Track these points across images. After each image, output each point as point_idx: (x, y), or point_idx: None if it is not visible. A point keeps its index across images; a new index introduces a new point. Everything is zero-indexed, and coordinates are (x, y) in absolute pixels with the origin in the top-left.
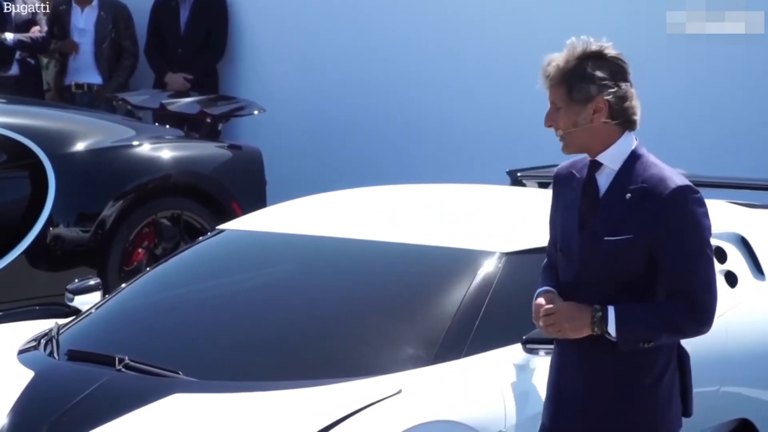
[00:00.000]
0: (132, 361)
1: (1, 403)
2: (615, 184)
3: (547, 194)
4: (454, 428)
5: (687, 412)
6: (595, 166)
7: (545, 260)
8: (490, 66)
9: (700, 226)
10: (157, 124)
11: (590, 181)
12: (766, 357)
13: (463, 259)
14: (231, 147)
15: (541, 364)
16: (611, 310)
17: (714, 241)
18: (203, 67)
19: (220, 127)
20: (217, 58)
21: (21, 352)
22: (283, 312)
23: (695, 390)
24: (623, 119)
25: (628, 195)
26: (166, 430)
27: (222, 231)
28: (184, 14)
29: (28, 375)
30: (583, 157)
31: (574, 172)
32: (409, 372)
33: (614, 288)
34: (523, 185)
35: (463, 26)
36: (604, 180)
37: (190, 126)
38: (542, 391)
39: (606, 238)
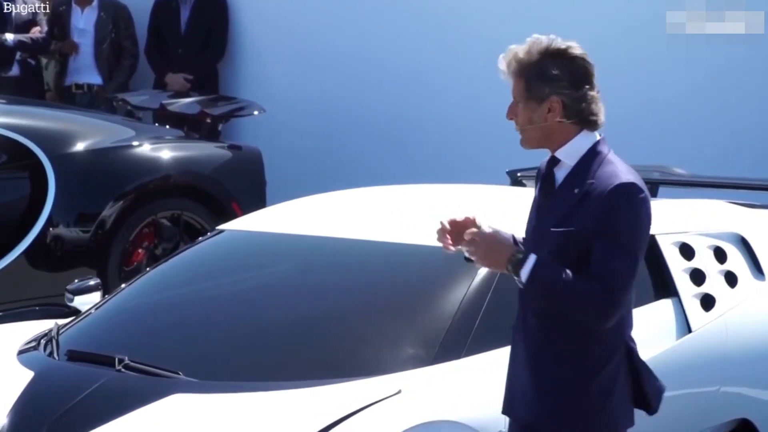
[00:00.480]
0: (132, 361)
1: (1, 404)
2: (569, 180)
3: None
4: (454, 428)
5: (648, 407)
6: (554, 161)
7: None
8: (491, 66)
9: (635, 224)
10: (156, 124)
11: (548, 175)
12: (766, 357)
13: (463, 259)
14: (231, 147)
15: None
16: (531, 258)
17: (714, 241)
18: (203, 67)
19: (220, 127)
20: (218, 58)
21: (21, 352)
22: (282, 312)
23: (696, 390)
24: (579, 119)
25: (576, 190)
26: (165, 430)
27: (222, 231)
28: (184, 14)
29: (27, 375)
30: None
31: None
32: (408, 372)
33: None
34: (523, 185)
35: (463, 26)
36: (561, 175)
37: (190, 126)
38: None
39: (552, 230)
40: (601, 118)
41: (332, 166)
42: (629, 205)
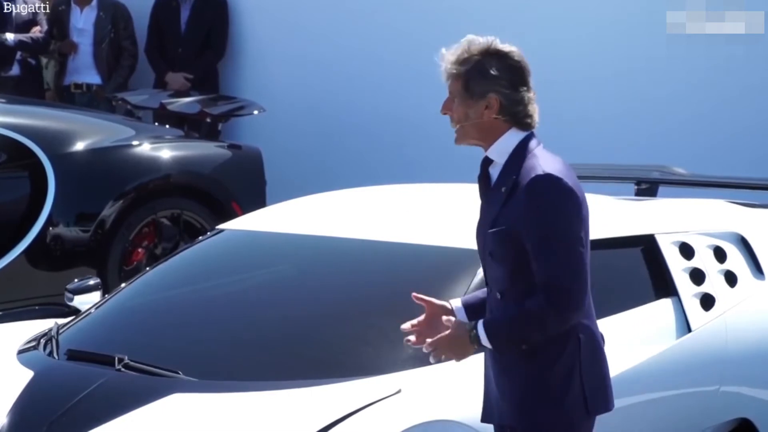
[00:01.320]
0: (131, 360)
1: (0, 403)
2: (499, 178)
3: None
4: (453, 428)
5: (594, 405)
6: (488, 160)
7: None
8: None
9: (560, 212)
10: (156, 123)
11: (483, 175)
12: (766, 356)
13: (463, 259)
14: (231, 147)
15: None
16: (480, 327)
17: (713, 241)
18: (204, 66)
19: (219, 126)
20: (218, 58)
21: (20, 352)
22: (282, 312)
23: (696, 389)
24: (514, 120)
25: (503, 188)
26: (165, 430)
27: (222, 231)
28: (184, 14)
29: (27, 375)
30: None
31: None
32: (408, 372)
33: (510, 277)
34: None
35: (463, 25)
36: (494, 174)
37: (190, 126)
38: None
39: (489, 231)
40: (536, 119)
41: (332, 165)
42: (549, 196)
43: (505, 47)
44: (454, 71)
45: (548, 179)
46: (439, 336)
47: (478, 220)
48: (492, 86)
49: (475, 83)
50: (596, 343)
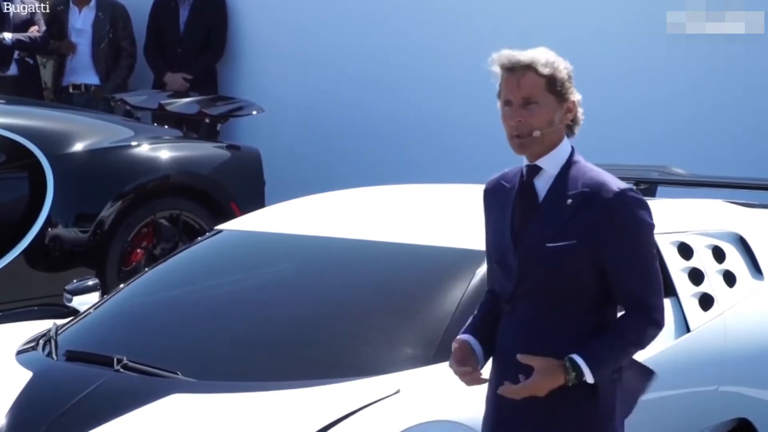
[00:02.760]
0: (130, 361)
1: None
2: (554, 189)
3: None
4: (453, 428)
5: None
6: (534, 170)
7: (488, 283)
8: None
9: (645, 227)
10: (155, 124)
11: (528, 186)
12: (764, 356)
13: (462, 259)
14: (230, 147)
15: None
16: (581, 362)
17: (712, 241)
18: (203, 67)
19: (218, 127)
20: (217, 59)
21: (19, 352)
22: (281, 312)
23: (695, 389)
24: (574, 124)
25: (569, 200)
26: (164, 430)
27: (220, 231)
28: (183, 14)
29: (26, 375)
30: (512, 168)
31: (504, 183)
32: (407, 372)
33: (555, 298)
34: None
35: (463, 25)
36: (542, 185)
37: (189, 126)
38: None
39: (548, 245)
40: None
41: (331, 166)
42: (635, 212)
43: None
44: (533, 70)
45: (633, 194)
46: (530, 383)
47: (499, 236)
48: (571, 87)
49: (560, 83)
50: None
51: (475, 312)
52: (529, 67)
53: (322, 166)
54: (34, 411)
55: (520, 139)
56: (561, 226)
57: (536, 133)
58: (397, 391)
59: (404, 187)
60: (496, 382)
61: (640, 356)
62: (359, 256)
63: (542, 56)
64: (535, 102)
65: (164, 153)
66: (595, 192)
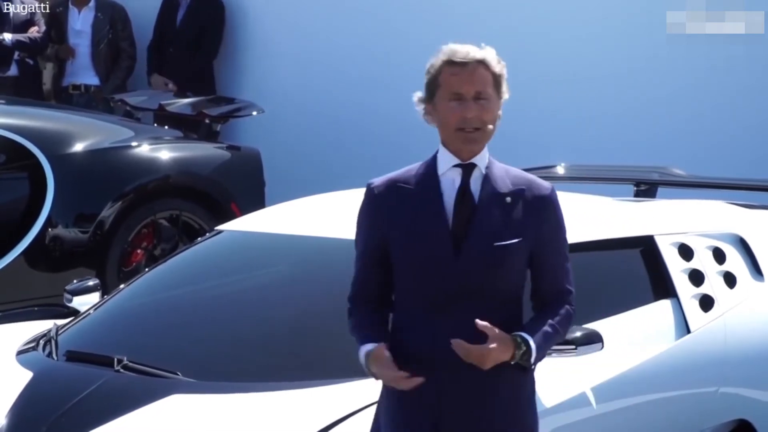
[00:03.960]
0: (131, 361)
1: (0, 404)
2: (488, 188)
3: None
4: None
5: None
6: (470, 169)
7: (354, 290)
8: None
9: (564, 226)
10: (155, 124)
11: (466, 186)
12: (765, 358)
13: None
14: (230, 148)
15: (540, 365)
16: (531, 342)
17: (713, 242)
18: (193, 68)
19: (218, 128)
20: (208, 60)
21: (20, 352)
22: (281, 312)
23: (695, 390)
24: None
25: (508, 198)
26: (164, 430)
27: (220, 232)
28: (180, 13)
29: (26, 376)
30: (407, 170)
31: (403, 185)
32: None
33: (496, 296)
34: None
35: (462, 24)
36: (476, 183)
37: (187, 127)
38: (541, 392)
39: (496, 244)
40: None
41: (331, 166)
42: (559, 210)
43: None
44: (487, 68)
45: (555, 192)
46: (486, 349)
47: (422, 239)
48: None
49: (503, 83)
50: None
51: (357, 322)
52: (482, 63)
53: (322, 167)
54: (34, 411)
55: (474, 134)
56: (504, 225)
57: (489, 128)
58: None
59: None
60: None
61: (640, 358)
62: None
63: (494, 54)
64: (485, 98)
65: (164, 153)
66: (528, 190)
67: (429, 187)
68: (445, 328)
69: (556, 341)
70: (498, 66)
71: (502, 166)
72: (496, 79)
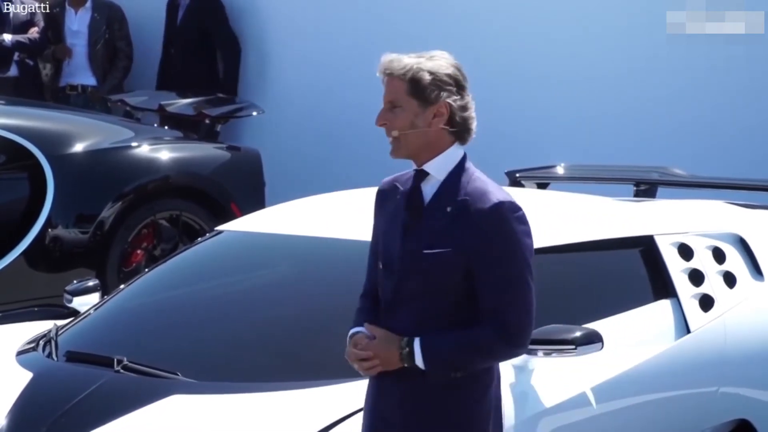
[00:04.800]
0: (131, 362)
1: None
2: (438, 196)
3: (546, 195)
4: None
5: None
6: (421, 175)
7: (364, 285)
8: (489, 66)
9: (519, 244)
10: (155, 125)
11: (415, 191)
12: (764, 357)
13: None
14: (230, 148)
15: (540, 365)
16: (417, 344)
17: (712, 242)
18: (226, 67)
19: (218, 128)
20: (235, 62)
21: (20, 353)
22: (281, 313)
23: (695, 390)
24: (461, 128)
25: (449, 208)
26: (164, 431)
27: (221, 232)
28: (180, 13)
29: (26, 376)
30: (408, 171)
31: (398, 185)
32: None
33: (432, 302)
34: (522, 186)
35: (462, 25)
36: (428, 190)
37: (186, 127)
38: (541, 391)
39: (425, 251)
40: (474, 130)
41: (332, 166)
42: (510, 227)
43: (443, 52)
44: (398, 75)
45: (511, 207)
46: (370, 345)
47: (387, 238)
48: (442, 91)
49: (423, 88)
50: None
51: (356, 312)
52: (390, 74)
53: (322, 167)
54: (34, 412)
55: (390, 141)
56: (439, 234)
57: (394, 133)
58: None
59: None
60: (372, 393)
61: (640, 358)
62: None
63: (402, 62)
64: (398, 106)
65: (164, 154)
66: (474, 201)
67: (402, 190)
68: (392, 327)
69: (467, 356)
70: (407, 73)
71: (472, 176)
72: (411, 86)
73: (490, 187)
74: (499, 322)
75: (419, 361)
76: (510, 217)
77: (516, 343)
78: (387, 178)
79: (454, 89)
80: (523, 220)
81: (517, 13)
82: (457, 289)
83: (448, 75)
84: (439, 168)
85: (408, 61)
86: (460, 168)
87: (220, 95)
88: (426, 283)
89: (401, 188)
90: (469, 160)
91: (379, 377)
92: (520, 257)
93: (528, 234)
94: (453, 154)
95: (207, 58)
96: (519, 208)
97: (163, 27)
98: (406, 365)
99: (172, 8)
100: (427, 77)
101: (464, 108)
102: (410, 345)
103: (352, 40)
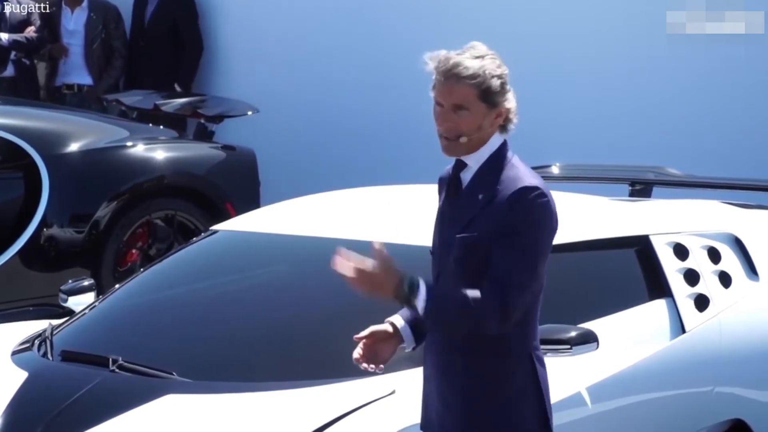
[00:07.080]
0: (126, 361)
1: None
2: (473, 183)
3: None
4: None
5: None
6: (462, 163)
7: None
8: None
9: (534, 225)
10: (150, 124)
11: (455, 179)
12: (760, 357)
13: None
14: (225, 148)
15: None
16: (422, 286)
17: (708, 242)
18: (185, 65)
19: (213, 128)
20: (195, 57)
21: (15, 352)
22: (276, 312)
23: (690, 390)
24: (507, 121)
25: (481, 195)
26: (160, 430)
27: (216, 232)
28: (150, 8)
29: (21, 376)
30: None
31: (446, 176)
32: (402, 372)
33: (467, 287)
34: None
35: (457, 25)
36: (466, 178)
37: (177, 126)
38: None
39: (458, 235)
40: (515, 121)
41: (327, 166)
42: (529, 207)
43: (481, 44)
44: (465, 78)
45: (534, 191)
46: (370, 265)
47: (435, 226)
48: (505, 95)
49: (493, 92)
50: (544, 366)
51: None
52: (458, 78)
53: (317, 167)
54: (29, 411)
55: (447, 142)
56: (470, 219)
57: (463, 140)
58: (393, 392)
59: (400, 188)
60: (424, 363)
61: (635, 358)
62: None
63: (475, 68)
64: (466, 109)
65: (159, 153)
66: (505, 188)
67: (447, 178)
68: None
69: (458, 315)
70: (478, 80)
71: (509, 164)
72: (481, 92)
73: (521, 173)
74: (503, 287)
75: (421, 302)
76: (532, 202)
77: (508, 312)
78: (448, 167)
79: (509, 91)
80: (546, 207)
81: (515, 13)
82: (477, 274)
83: (506, 75)
84: (477, 159)
85: (473, 64)
86: (498, 156)
87: (177, 89)
88: (459, 267)
89: (447, 177)
90: (509, 148)
91: (437, 360)
92: (534, 238)
93: (550, 219)
94: (493, 143)
95: (175, 53)
96: (545, 195)
97: (130, 19)
98: (399, 299)
99: (140, 1)
100: (496, 83)
101: (514, 111)
102: (412, 283)
103: (346, 40)
